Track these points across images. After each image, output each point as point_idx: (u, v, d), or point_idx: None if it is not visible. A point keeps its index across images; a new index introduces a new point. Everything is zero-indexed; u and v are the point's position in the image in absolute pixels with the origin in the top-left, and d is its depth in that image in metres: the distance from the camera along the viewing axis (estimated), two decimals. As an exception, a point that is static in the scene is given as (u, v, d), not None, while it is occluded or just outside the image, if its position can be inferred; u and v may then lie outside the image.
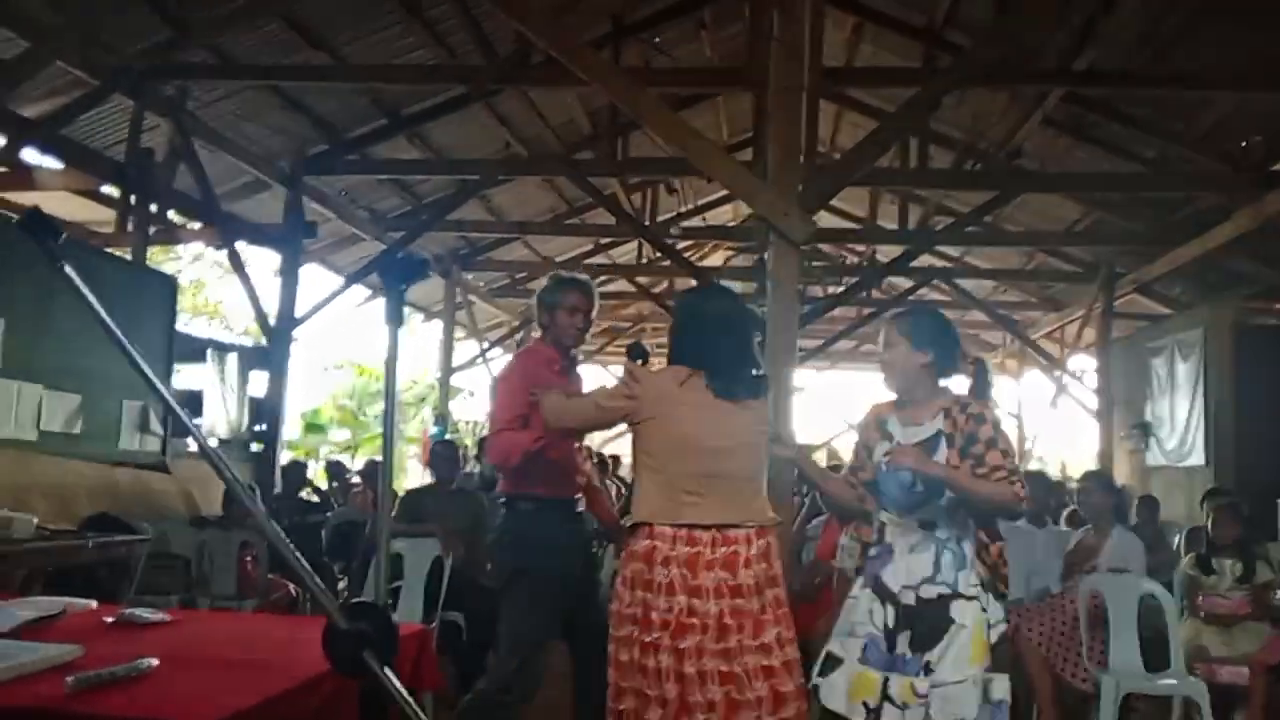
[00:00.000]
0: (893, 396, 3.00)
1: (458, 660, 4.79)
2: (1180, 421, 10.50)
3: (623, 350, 4.71)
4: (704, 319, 2.82)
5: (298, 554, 1.54)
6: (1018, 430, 14.90)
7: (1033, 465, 13.28)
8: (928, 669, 2.74)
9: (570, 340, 3.45)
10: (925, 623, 2.78)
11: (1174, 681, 4.23)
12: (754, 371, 2.83)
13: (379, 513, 1.56)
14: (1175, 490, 10.47)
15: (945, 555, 2.81)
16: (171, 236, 8.86)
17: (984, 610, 2.79)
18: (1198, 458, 10.08)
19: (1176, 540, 7.45)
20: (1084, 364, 12.89)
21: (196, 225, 8.42)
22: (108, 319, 1.39)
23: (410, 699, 1.40)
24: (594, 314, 3.48)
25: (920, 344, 2.91)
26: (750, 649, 2.59)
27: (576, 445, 3.41)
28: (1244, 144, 7.55)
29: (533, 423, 3.13)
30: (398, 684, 1.38)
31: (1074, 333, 12.54)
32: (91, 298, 1.39)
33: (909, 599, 2.81)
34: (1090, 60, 6.72)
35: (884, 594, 2.85)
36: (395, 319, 1.82)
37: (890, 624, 2.81)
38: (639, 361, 2.99)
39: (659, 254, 11.62)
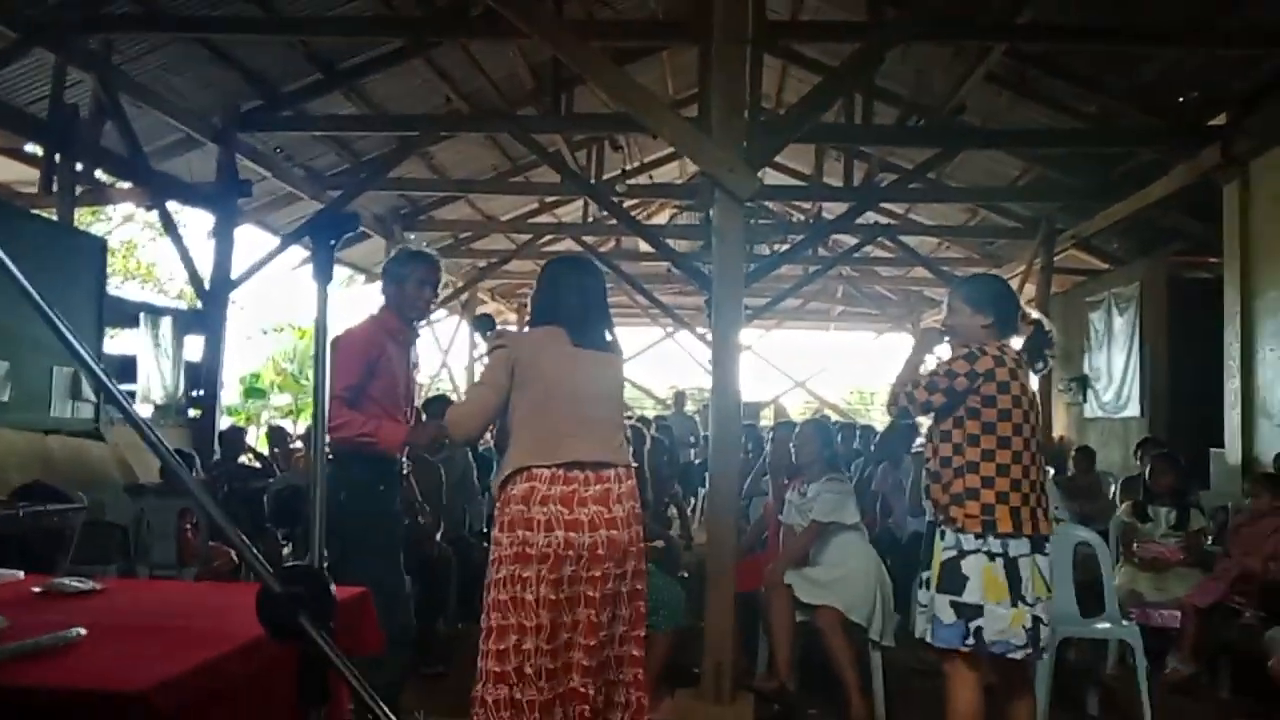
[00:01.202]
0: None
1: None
2: (1117, 374, 10.75)
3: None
4: (560, 282, 3.04)
5: (231, 520, 1.50)
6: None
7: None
8: (925, 585, 3.03)
9: (416, 313, 3.53)
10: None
11: (1109, 625, 4.35)
12: (606, 333, 3.05)
13: (313, 475, 1.52)
14: (1112, 440, 10.75)
15: None
16: (100, 196, 8.57)
17: (941, 538, 2.98)
18: (1133, 409, 10.35)
19: (1113, 489, 7.66)
20: (1023, 319, 13.07)
21: (126, 185, 8.14)
22: (28, 285, 1.32)
23: (347, 662, 1.36)
24: (439, 288, 3.60)
25: (980, 306, 3.06)
26: (614, 575, 2.80)
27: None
28: (1180, 99, 7.64)
29: (369, 393, 3.30)
30: (333, 646, 1.34)
31: (1015, 288, 12.71)
32: (9, 263, 1.32)
33: None
34: (1032, 15, 6.74)
35: None
36: (324, 276, 1.75)
37: None
38: (487, 332, 3.26)
39: (605, 212, 11.53)
